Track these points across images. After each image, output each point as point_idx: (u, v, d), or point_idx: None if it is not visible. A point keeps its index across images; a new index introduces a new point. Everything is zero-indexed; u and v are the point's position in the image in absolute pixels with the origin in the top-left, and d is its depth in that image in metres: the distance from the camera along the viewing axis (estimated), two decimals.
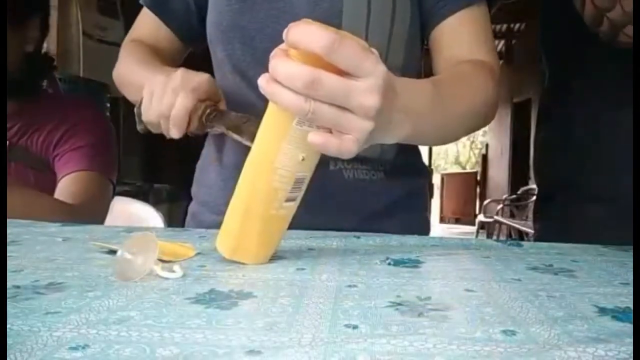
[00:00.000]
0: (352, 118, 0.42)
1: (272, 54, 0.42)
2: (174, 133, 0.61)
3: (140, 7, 0.83)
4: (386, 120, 0.46)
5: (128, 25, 0.84)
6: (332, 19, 0.66)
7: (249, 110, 0.70)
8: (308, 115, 0.41)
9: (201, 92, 0.62)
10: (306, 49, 0.40)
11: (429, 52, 0.75)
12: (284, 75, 0.40)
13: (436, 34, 0.71)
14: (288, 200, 0.47)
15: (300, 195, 0.48)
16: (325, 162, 0.70)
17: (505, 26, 7.84)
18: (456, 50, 0.69)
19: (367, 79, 0.41)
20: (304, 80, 0.39)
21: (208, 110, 0.63)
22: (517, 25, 7.85)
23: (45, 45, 1.19)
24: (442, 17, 0.70)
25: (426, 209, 0.83)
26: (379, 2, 0.67)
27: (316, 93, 0.40)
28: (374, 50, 0.43)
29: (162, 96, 0.61)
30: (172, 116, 0.60)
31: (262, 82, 0.42)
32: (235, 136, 0.62)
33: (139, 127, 0.69)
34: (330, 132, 0.43)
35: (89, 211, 0.98)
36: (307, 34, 0.40)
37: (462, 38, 0.70)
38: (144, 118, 0.64)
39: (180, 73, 0.62)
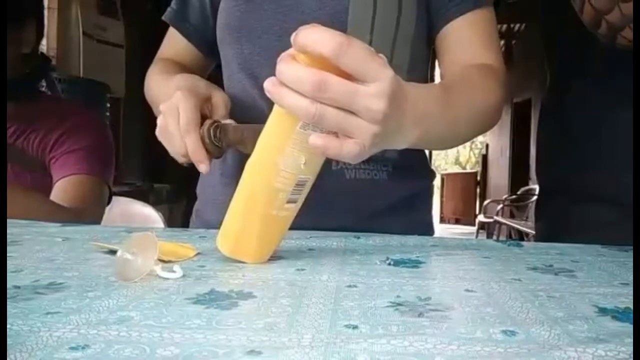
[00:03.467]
0: (358, 122, 0.42)
1: (280, 58, 0.42)
2: (202, 169, 0.59)
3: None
4: (395, 126, 0.46)
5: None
6: (338, 16, 0.66)
7: (253, 109, 0.70)
8: (314, 119, 0.41)
9: (194, 116, 0.59)
10: (314, 52, 0.40)
11: (435, 53, 0.75)
12: (291, 78, 0.40)
13: (443, 35, 0.71)
14: (289, 201, 0.47)
15: (302, 197, 0.48)
16: (327, 162, 0.70)
17: (505, 26, 7.84)
18: (462, 52, 0.70)
19: (375, 83, 0.41)
20: (311, 83, 0.39)
21: (211, 131, 0.60)
22: (517, 26, 7.85)
23: (44, 45, 1.19)
24: (450, 19, 0.70)
25: (429, 211, 0.83)
26: (384, 5, 0.67)
27: (323, 96, 0.40)
28: (381, 55, 0.43)
29: (169, 142, 0.60)
30: (191, 156, 0.59)
31: (269, 85, 0.42)
32: (241, 148, 0.61)
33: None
34: (336, 135, 0.43)
35: (85, 214, 0.98)
36: (315, 37, 0.39)
37: (468, 40, 0.70)
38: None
39: (162, 113, 0.60)
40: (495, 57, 0.69)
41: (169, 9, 0.84)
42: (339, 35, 0.39)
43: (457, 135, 0.62)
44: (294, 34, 0.41)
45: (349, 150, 0.43)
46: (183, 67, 0.79)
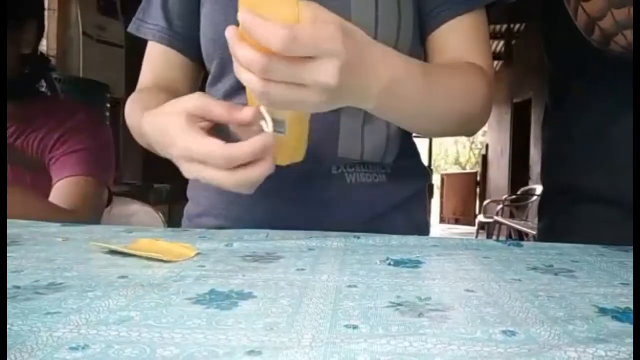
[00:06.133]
0: (306, 93, 0.46)
1: (230, 37, 0.45)
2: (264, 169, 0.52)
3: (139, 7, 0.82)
4: (351, 89, 0.49)
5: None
6: None
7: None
8: (262, 96, 0.46)
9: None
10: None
11: (425, 53, 0.75)
12: (243, 60, 0.44)
13: (433, 37, 0.71)
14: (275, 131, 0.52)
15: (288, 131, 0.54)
16: (327, 167, 0.70)
17: (505, 26, 7.85)
18: (452, 54, 0.70)
19: (324, 59, 0.44)
20: (258, 65, 0.43)
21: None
22: (517, 26, 7.85)
23: (44, 45, 1.20)
24: (441, 22, 0.70)
25: (426, 211, 0.83)
26: (385, 12, 0.67)
27: (270, 77, 0.44)
28: (336, 26, 0.45)
29: (197, 174, 0.53)
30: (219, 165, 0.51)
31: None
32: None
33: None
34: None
35: (83, 216, 0.98)
36: (262, 35, 0.42)
37: (459, 43, 0.70)
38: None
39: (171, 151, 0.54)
40: (484, 59, 0.70)
41: (150, 27, 0.78)
42: (282, 31, 0.42)
43: (434, 115, 0.62)
44: (239, 16, 0.43)
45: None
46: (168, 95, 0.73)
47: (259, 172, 0.51)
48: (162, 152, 0.57)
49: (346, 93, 0.49)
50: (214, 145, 0.50)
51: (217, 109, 0.53)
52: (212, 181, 0.52)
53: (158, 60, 0.79)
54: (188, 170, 0.53)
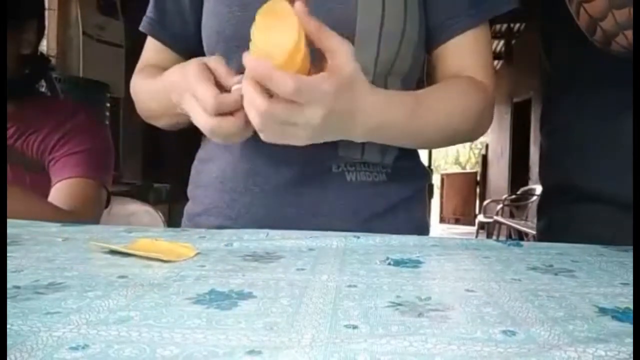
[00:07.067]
0: (296, 131, 0.55)
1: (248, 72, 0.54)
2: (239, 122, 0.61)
3: (140, 8, 0.83)
4: (338, 127, 0.58)
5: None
6: (345, 27, 0.64)
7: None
8: (262, 133, 0.56)
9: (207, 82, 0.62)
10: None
11: (429, 61, 0.76)
12: (247, 99, 0.55)
13: (440, 50, 0.72)
14: None
15: None
16: (327, 165, 0.70)
17: (505, 26, 7.85)
18: (456, 69, 0.71)
19: (313, 105, 0.53)
20: (261, 110, 0.53)
21: None
22: (517, 25, 7.86)
23: (44, 45, 1.20)
24: (449, 36, 0.71)
25: (426, 211, 0.83)
26: (391, 14, 0.67)
27: (272, 119, 0.54)
28: (332, 81, 0.53)
29: (195, 116, 0.62)
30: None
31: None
32: None
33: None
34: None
35: (82, 217, 0.98)
36: (273, 81, 0.51)
37: (464, 58, 0.71)
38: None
39: (179, 91, 0.64)
40: (486, 75, 0.71)
41: (145, 18, 0.82)
42: (290, 82, 0.50)
43: (427, 138, 0.68)
44: (248, 60, 0.53)
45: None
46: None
47: (232, 123, 0.60)
48: (174, 93, 0.66)
49: (331, 132, 0.59)
50: (210, 92, 0.60)
51: (223, 72, 0.63)
52: (194, 117, 0.62)
53: (151, 52, 0.83)
54: (185, 102, 0.64)
